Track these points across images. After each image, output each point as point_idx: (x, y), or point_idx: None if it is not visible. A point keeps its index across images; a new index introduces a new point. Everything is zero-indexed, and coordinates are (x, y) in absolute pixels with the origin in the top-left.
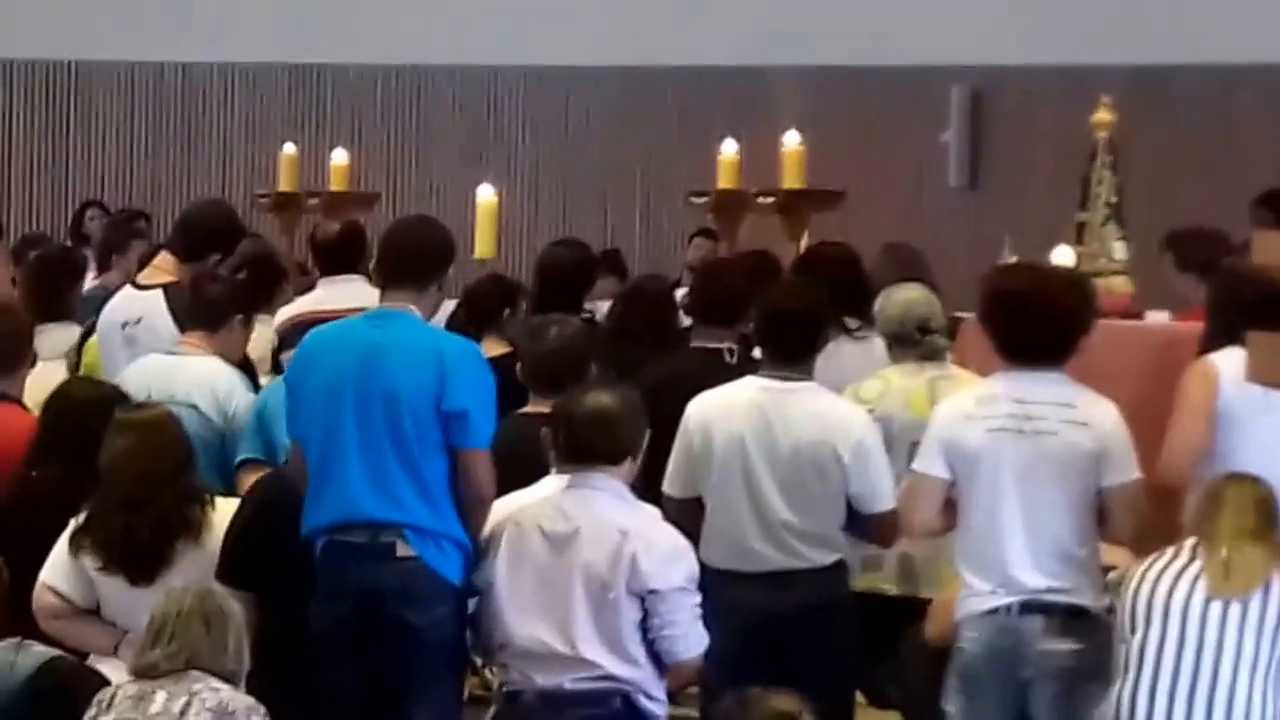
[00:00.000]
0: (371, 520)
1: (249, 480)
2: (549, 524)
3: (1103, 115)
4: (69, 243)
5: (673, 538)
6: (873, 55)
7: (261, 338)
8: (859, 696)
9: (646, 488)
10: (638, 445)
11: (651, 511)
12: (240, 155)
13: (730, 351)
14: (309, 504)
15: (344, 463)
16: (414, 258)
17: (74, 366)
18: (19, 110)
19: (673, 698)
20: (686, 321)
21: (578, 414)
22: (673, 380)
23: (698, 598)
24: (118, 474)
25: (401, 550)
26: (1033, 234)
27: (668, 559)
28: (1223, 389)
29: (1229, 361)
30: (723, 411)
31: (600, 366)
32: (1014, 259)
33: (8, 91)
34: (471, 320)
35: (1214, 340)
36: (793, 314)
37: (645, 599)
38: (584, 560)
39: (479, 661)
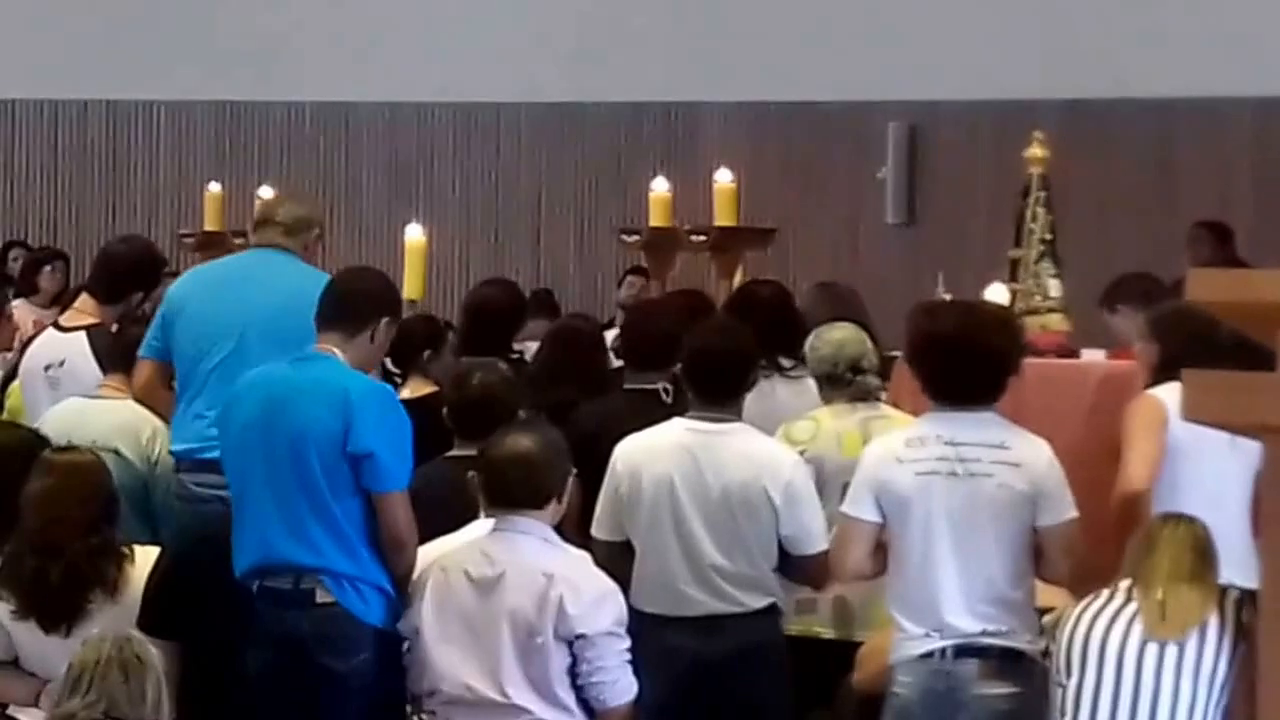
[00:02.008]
0: (290, 565)
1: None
2: (474, 569)
3: (1036, 151)
4: None
5: (599, 581)
6: (808, 91)
7: None
8: None
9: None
10: (561, 487)
11: (578, 555)
12: (166, 194)
13: (665, 391)
14: (234, 547)
15: (258, 507)
16: (344, 302)
17: None
18: None
19: None
20: (618, 362)
21: (498, 458)
22: (609, 422)
23: (627, 642)
24: (32, 514)
25: (320, 596)
26: (971, 270)
27: (595, 603)
28: (1170, 422)
29: (1174, 396)
30: (650, 453)
31: (528, 408)
32: (947, 296)
33: None
34: (396, 360)
35: (1162, 378)
36: (720, 354)
37: (573, 644)
38: (510, 605)
39: (409, 708)
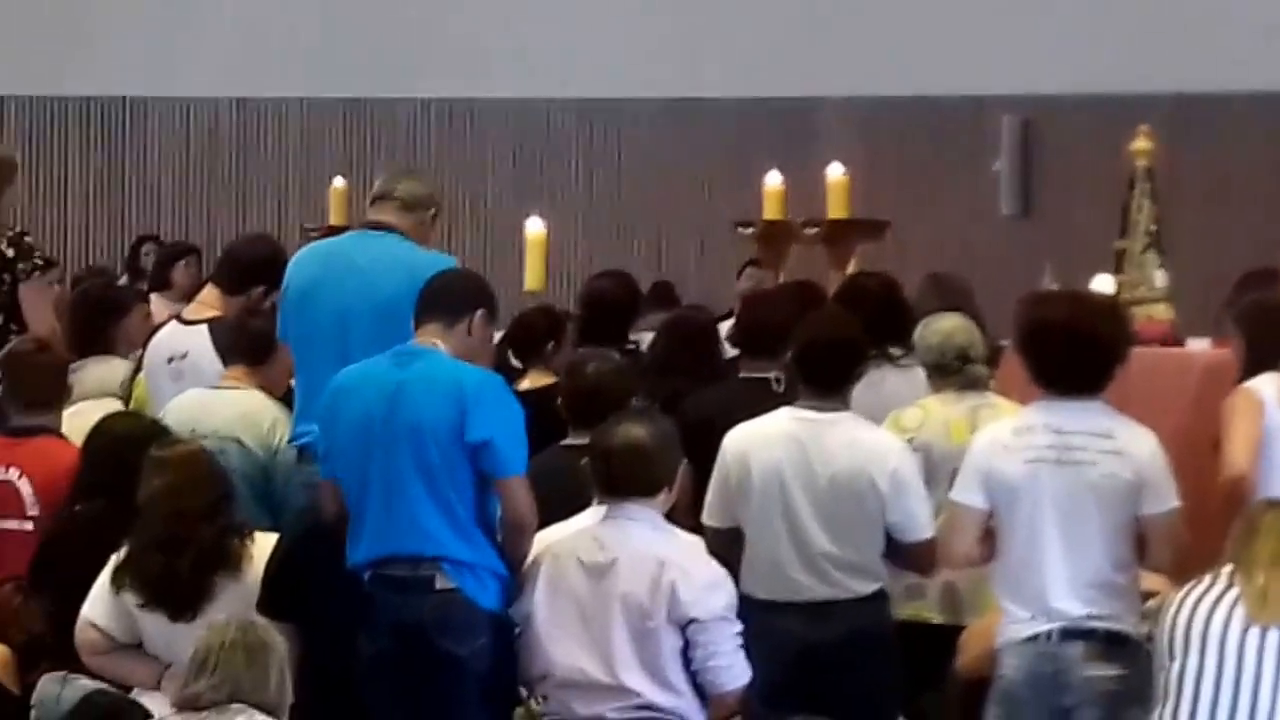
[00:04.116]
0: (408, 555)
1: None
2: (586, 555)
3: (1141, 143)
4: (125, 278)
5: (710, 567)
6: (923, 86)
7: None
8: None
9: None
10: (672, 476)
11: (689, 540)
12: (293, 189)
13: (778, 380)
14: (350, 540)
15: (376, 499)
16: (440, 294)
17: (125, 401)
18: (75, 147)
19: None
20: (734, 352)
21: (611, 447)
22: (722, 411)
23: (739, 627)
24: (154, 512)
25: (440, 583)
26: (1085, 262)
27: (707, 588)
28: (1268, 412)
29: (1271, 387)
30: (759, 442)
31: (643, 399)
32: (1054, 286)
33: (65, 129)
34: (517, 352)
35: (1253, 370)
36: (828, 344)
37: (687, 628)
38: (622, 590)
39: (524, 692)
